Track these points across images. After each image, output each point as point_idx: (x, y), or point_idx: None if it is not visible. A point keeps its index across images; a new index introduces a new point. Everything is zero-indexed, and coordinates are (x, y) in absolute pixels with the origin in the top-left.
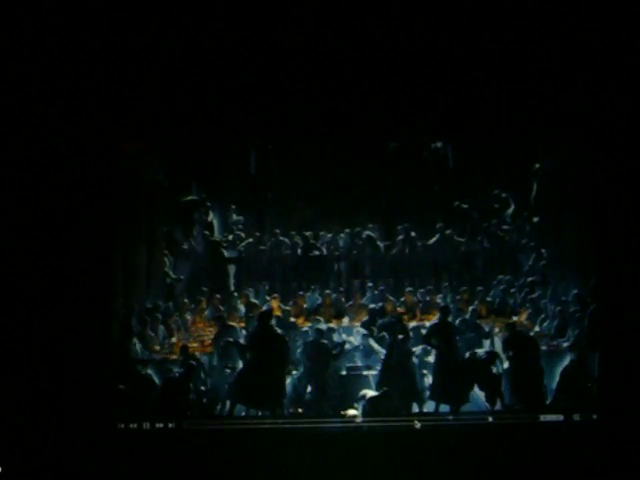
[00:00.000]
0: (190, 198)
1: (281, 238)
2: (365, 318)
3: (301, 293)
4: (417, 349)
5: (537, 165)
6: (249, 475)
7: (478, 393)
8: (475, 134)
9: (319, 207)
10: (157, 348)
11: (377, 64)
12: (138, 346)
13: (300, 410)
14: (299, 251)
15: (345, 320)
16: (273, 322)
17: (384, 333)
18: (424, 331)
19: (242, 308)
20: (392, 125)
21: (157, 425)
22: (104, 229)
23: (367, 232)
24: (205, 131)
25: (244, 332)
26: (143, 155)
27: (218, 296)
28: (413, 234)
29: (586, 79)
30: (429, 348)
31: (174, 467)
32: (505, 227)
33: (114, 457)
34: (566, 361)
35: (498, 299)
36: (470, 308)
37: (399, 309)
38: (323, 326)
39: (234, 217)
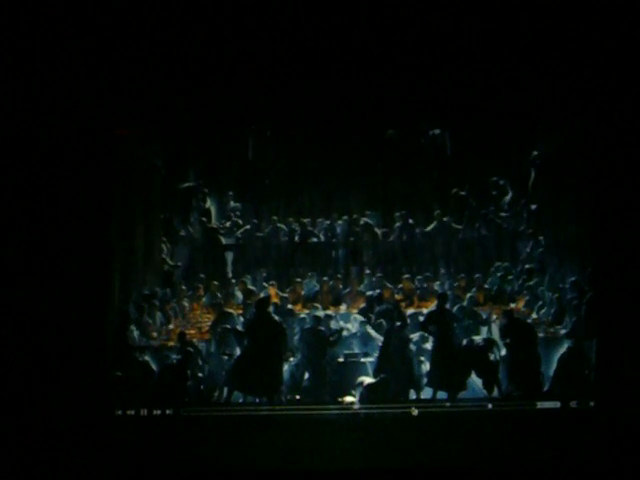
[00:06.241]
0: (187, 185)
1: (278, 225)
2: (363, 305)
3: (298, 280)
4: (414, 336)
5: (535, 152)
6: (247, 462)
7: (475, 380)
8: (473, 121)
9: (317, 194)
10: (154, 335)
11: (375, 50)
12: (135, 333)
13: (297, 397)
14: (296, 238)
15: (343, 307)
16: (270, 309)
17: (381, 320)
18: (422, 318)
19: (239, 295)
20: (390, 112)
21: (155, 412)
22: (101, 216)
23: (365, 219)
24: (203, 117)
25: (241, 319)
26: (140, 141)
27: (216, 283)
28: (411, 221)
29: (584, 65)
30: (426, 335)
31: (171, 453)
32: (503, 214)
33: (112, 443)
34: (563, 348)
35: (495, 286)
36: (467, 295)
37: (397, 296)
38: (321, 313)
39: (232, 204)
